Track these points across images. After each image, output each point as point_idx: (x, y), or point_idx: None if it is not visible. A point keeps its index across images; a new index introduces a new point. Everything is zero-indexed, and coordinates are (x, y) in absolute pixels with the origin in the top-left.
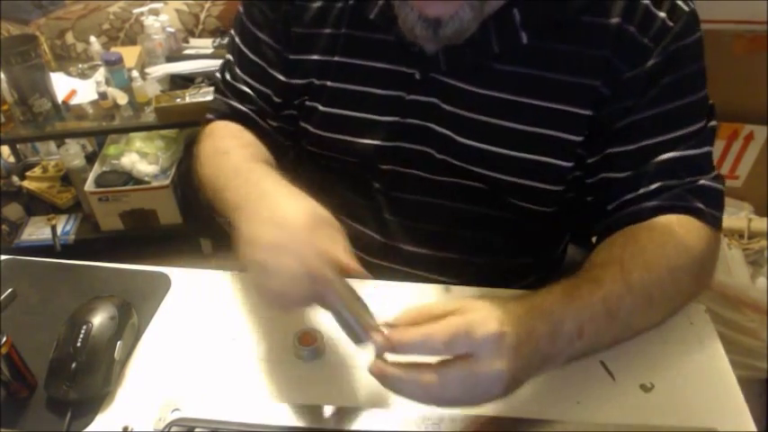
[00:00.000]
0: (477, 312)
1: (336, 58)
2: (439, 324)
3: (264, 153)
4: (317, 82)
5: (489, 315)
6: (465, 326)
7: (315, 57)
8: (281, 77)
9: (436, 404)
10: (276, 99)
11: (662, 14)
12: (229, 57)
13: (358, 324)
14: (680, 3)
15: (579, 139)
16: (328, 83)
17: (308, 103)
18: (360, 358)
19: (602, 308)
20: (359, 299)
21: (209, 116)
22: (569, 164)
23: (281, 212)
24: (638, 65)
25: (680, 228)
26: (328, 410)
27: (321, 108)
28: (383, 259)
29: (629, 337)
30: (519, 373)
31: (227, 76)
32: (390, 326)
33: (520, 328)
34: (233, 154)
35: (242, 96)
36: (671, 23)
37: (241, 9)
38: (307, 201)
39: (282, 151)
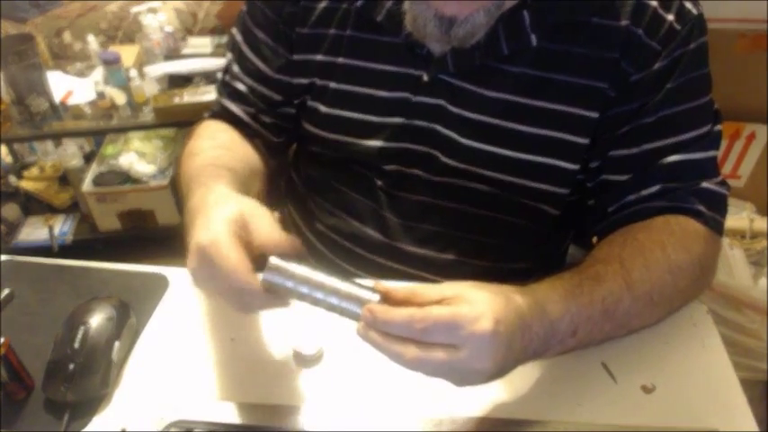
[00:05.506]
0: (472, 307)
1: (341, 60)
2: (423, 310)
3: (239, 153)
4: (319, 82)
5: (486, 312)
6: (449, 318)
7: (319, 57)
8: (278, 76)
9: (416, 371)
10: (273, 97)
11: (670, 17)
12: (229, 55)
13: (344, 303)
14: (688, 6)
15: (586, 141)
16: (331, 84)
17: (309, 103)
18: (360, 359)
19: (601, 308)
20: (342, 280)
21: (205, 114)
22: (576, 166)
23: (201, 228)
24: (645, 68)
25: (679, 228)
26: (327, 411)
27: (323, 109)
28: (385, 258)
29: (624, 335)
30: (507, 367)
31: (225, 76)
32: (382, 293)
33: (516, 328)
34: (199, 157)
35: (236, 95)
36: (678, 27)
37: (244, 8)
38: (225, 210)
39: (274, 149)
